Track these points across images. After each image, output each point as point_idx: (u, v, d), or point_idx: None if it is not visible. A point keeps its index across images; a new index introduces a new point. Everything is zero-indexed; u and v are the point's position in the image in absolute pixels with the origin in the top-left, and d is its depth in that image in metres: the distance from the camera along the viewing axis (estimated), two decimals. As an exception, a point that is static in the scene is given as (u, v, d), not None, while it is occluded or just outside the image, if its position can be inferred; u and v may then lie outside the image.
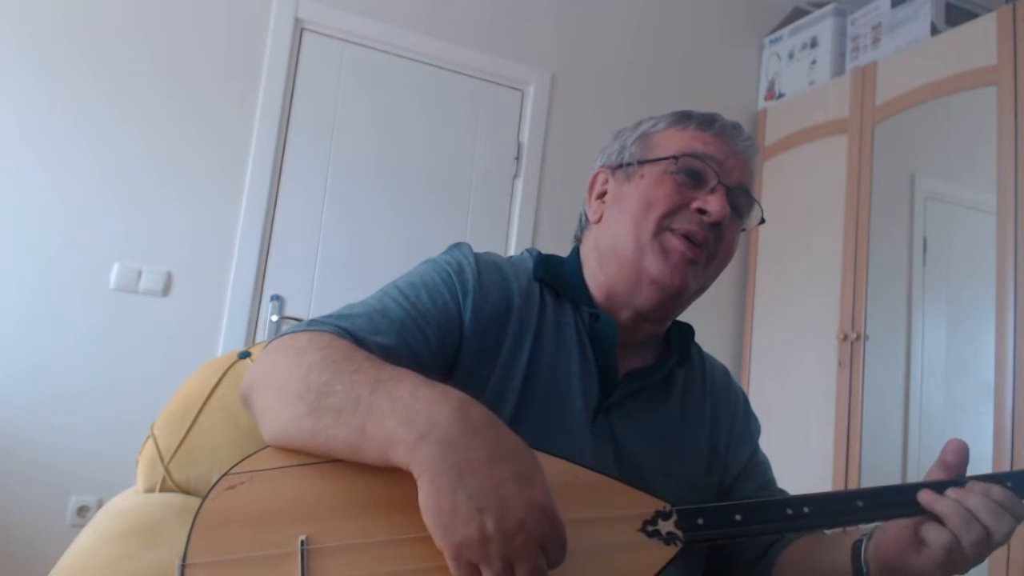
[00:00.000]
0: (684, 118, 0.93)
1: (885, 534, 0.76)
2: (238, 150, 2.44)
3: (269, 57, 2.49)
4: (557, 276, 0.93)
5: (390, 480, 0.65)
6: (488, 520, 0.56)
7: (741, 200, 0.91)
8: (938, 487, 0.73)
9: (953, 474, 0.74)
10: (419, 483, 0.59)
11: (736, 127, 0.93)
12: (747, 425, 1.02)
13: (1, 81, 2.20)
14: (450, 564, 0.58)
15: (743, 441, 1.00)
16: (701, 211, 0.87)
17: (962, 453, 0.75)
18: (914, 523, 0.73)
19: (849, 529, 0.86)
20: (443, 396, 0.63)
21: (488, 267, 0.88)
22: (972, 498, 0.71)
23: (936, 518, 0.72)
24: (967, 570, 0.72)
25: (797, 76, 3.08)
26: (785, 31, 3.19)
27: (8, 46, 2.21)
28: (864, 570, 0.77)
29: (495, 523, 0.56)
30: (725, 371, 1.04)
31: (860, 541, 0.79)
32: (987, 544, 0.70)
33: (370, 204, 2.62)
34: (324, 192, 2.57)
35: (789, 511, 0.73)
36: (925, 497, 0.72)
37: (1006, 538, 0.71)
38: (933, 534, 0.71)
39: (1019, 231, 2.13)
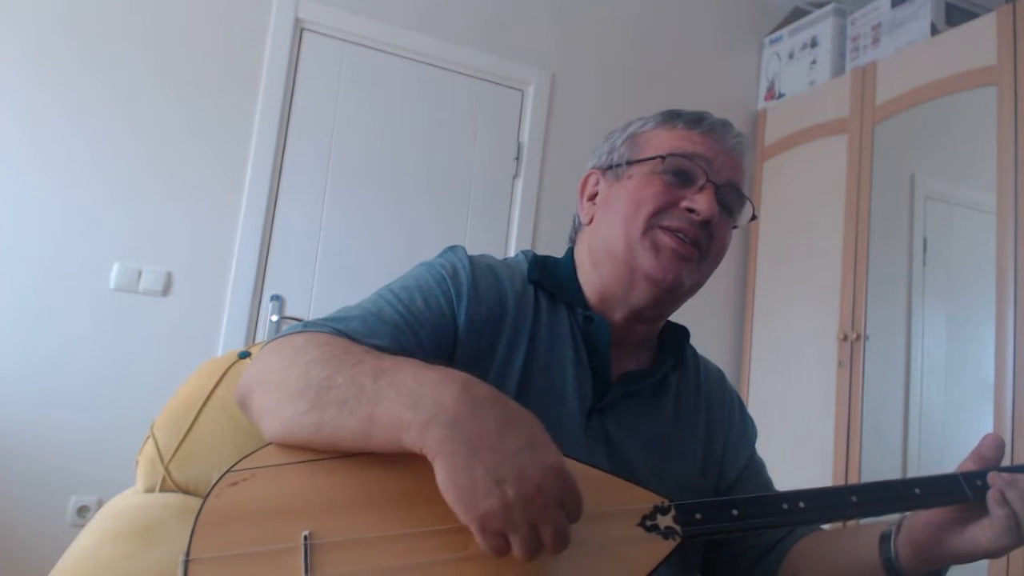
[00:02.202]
0: (672, 117, 0.93)
1: (920, 518, 0.78)
2: (238, 150, 2.45)
3: (269, 57, 2.50)
4: (552, 278, 0.93)
5: (393, 475, 0.66)
6: (508, 489, 0.58)
7: (731, 198, 0.91)
8: (934, 482, 0.76)
9: (988, 467, 0.77)
10: (435, 464, 0.61)
11: (725, 124, 0.92)
12: (743, 428, 1.02)
13: (2, 81, 2.20)
14: (477, 536, 0.60)
15: (740, 445, 1.00)
16: (690, 210, 0.87)
17: (1000, 448, 0.78)
18: (956, 507, 0.75)
19: (862, 522, 0.87)
20: (446, 377, 0.65)
21: (483, 270, 0.89)
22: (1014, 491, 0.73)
23: (1002, 499, 0.73)
24: (1006, 554, 0.74)
25: (797, 76, 3.08)
26: (785, 31, 3.19)
27: (9, 47, 2.21)
28: (893, 556, 0.79)
29: (515, 491, 0.58)
30: (720, 374, 1.04)
31: (889, 530, 0.81)
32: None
33: (370, 204, 2.62)
34: (324, 192, 2.57)
35: (785, 506, 0.74)
36: (998, 479, 0.74)
37: None
38: (1001, 515, 0.73)
39: (1019, 231, 2.13)
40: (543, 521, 0.59)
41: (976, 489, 0.75)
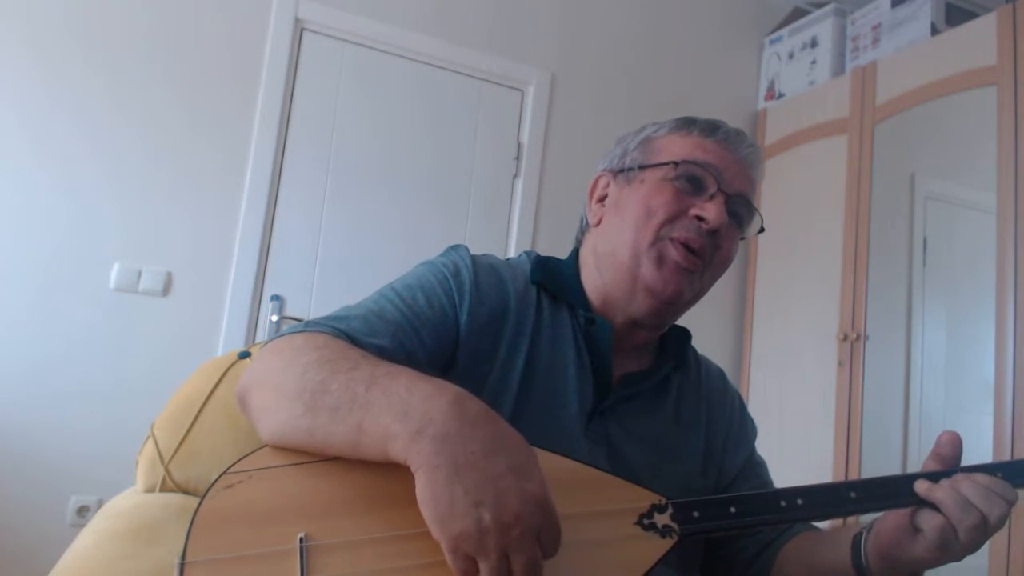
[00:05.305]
0: (687, 124, 0.93)
1: (884, 524, 0.77)
2: (238, 150, 2.45)
3: (269, 57, 2.50)
4: (554, 279, 0.93)
5: (389, 477, 0.65)
6: (485, 513, 0.57)
7: (741, 209, 0.91)
8: (932, 477, 0.75)
9: (948, 465, 0.76)
10: (416, 477, 0.60)
11: (739, 134, 0.92)
12: (743, 428, 1.02)
13: (3, 81, 2.20)
14: (447, 557, 0.59)
15: (739, 444, 1.00)
16: (699, 218, 0.87)
17: (956, 444, 0.76)
18: (911, 512, 0.74)
19: (849, 522, 0.87)
20: (439, 390, 0.64)
21: (485, 269, 0.88)
22: (966, 485, 0.72)
23: (932, 506, 0.73)
24: (963, 557, 0.73)
25: (797, 76, 3.08)
26: (785, 31, 3.19)
27: (10, 46, 2.21)
28: (864, 562, 0.78)
29: (492, 516, 0.57)
30: (721, 373, 1.04)
31: (860, 533, 0.80)
32: (983, 529, 0.71)
33: (370, 204, 2.62)
34: (324, 192, 2.57)
35: (783, 503, 0.74)
36: (921, 486, 0.74)
37: (1000, 523, 0.72)
38: (928, 521, 0.72)
39: (1019, 231, 2.13)
40: (516, 551, 0.58)
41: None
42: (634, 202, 0.90)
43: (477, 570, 0.58)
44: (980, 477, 0.73)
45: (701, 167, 0.88)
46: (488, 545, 0.57)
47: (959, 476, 0.73)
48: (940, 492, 0.72)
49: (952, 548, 0.72)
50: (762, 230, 0.95)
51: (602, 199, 0.96)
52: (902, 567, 0.76)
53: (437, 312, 0.83)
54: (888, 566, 0.77)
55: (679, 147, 0.90)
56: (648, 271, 0.87)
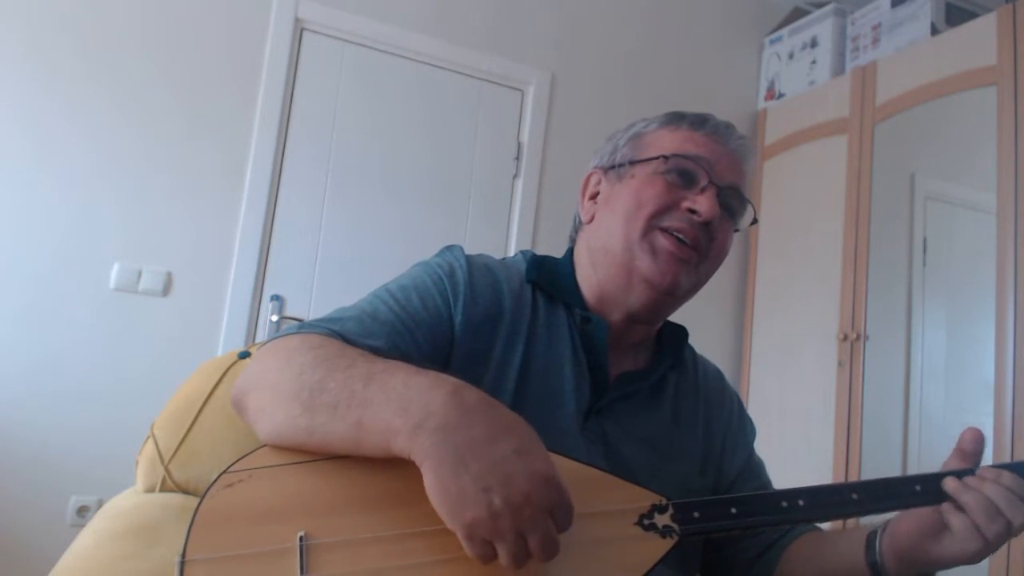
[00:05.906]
0: (676, 119, 0.93)
1: (901, 524, 0.78)
2: (238, 150, 2.45)
3: (269, 57, 2.50)
4: (550, 278, 0.93)
5: (389, 475, 0.65)
6: (495, 497, 0.58)
7: (733, 200, 0.91)
8: (934, 479, 0.75)
9: (971, 462, 0.76)
10: (423, 470, 0.60)
11: (729, 127, 0.92)
12: (742, 428, 1.02)
13: (2, 82, 2.20)
14: (464, 544, 0.59)
15: (738, 444, 1.00)
16: (691, 211, 0.87)
17: (979, 441, 0.77)
18: (934, 512, 0.75)
19: (849, 523, 0.86)
20: (436, 383, 0.64)
21: (480, 269, 0.88)
22: (991, 488, 0.72)
23: (956, 506, 0.73)
24: (982, 558, 0.73)
25: (797, 76, 3.08)
26: (785, 31, 3.19)
27: (10, 46, 2.21)
28: (878, 560, 0.78)
29: (502, 499, 0.58)
30: (718, 373, 1.04)
31: (874, 533, 0.80)
32: (1007, 533, 0.72)
33: (370, 204, 2.62)
34: (324, 192, 2.57)
35: (784, 504, 0.74)
36: (951, 485, 0.74)
37: (1022, 527, 0.73)
38: (958, 523, 0.72)
39: (1019, 231, 2.13)
40: (530, 530, 0.59)
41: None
42: (625, 196, 0.90)
43: (495, 553, 0.59)
44: (1006, 478, 0.73)
45: (692, 160, 0.88)
46: (502, 528, 0.58)
47: (983, 475, 0.73)
48: (969, 496, 0.72)
49: (978, 552, 0.72)
50: (755, 221, 0.95)
51: (594, 196, 0.96)
52: (919, 567, 0.76)
53: (432, 313, 0.83)
54: (905, 566, 0.77)
55: (669, 141, 0.90)
56: (644, 263, 0.86)
